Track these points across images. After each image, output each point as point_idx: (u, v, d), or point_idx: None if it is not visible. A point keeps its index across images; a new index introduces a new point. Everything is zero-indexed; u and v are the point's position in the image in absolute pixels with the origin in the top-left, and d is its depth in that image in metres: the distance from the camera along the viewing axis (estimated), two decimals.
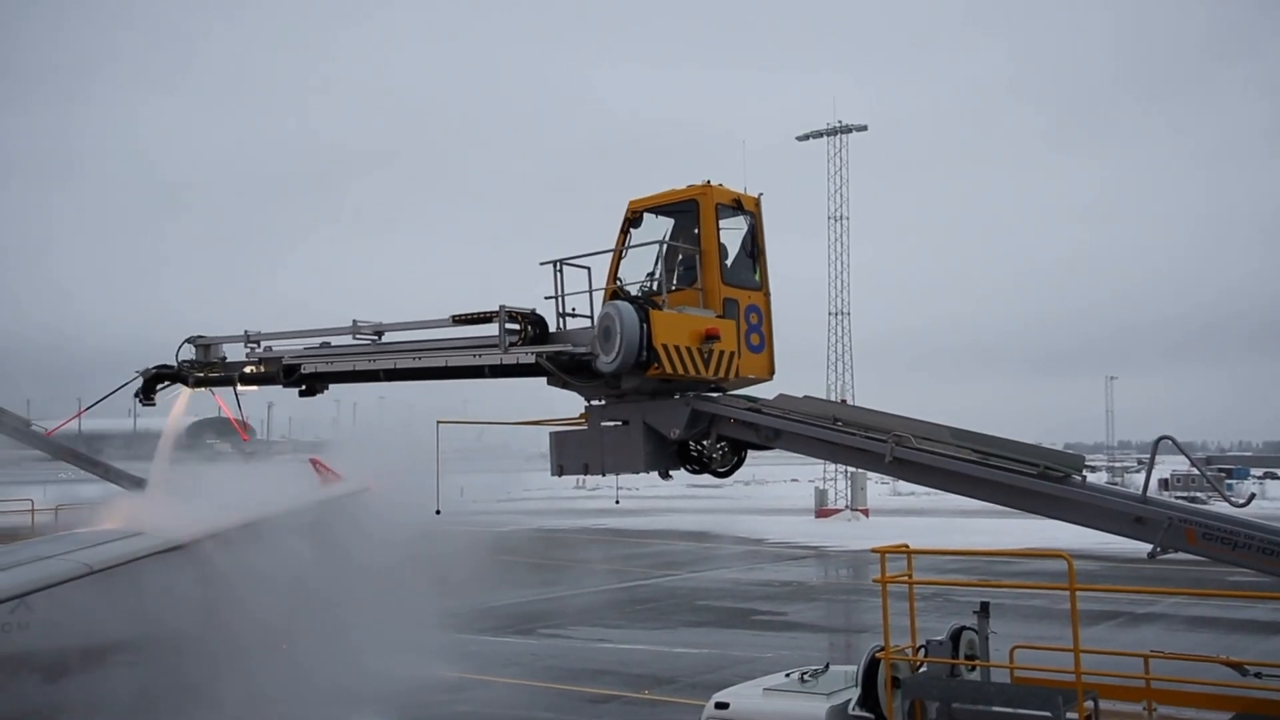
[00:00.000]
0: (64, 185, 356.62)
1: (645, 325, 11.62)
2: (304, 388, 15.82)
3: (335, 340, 15.33)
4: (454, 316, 13.36)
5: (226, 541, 17.24)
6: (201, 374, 17.31)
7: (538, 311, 12.88)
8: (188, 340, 17.28)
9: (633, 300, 12.08)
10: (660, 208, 13.07)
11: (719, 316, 12.52)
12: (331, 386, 16.13)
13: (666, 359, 11.72)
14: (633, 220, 13.04)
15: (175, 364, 17.45)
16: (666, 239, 12.92)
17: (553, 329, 12.93)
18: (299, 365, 15.54)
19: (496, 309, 12.74)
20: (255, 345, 16.45)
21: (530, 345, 12.61)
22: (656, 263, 12.90)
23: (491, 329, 12.95)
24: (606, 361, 11.78)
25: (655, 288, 12.64)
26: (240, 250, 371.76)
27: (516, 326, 12.67)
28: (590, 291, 12.78)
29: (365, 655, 19.05)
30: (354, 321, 14.75)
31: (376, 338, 14.73)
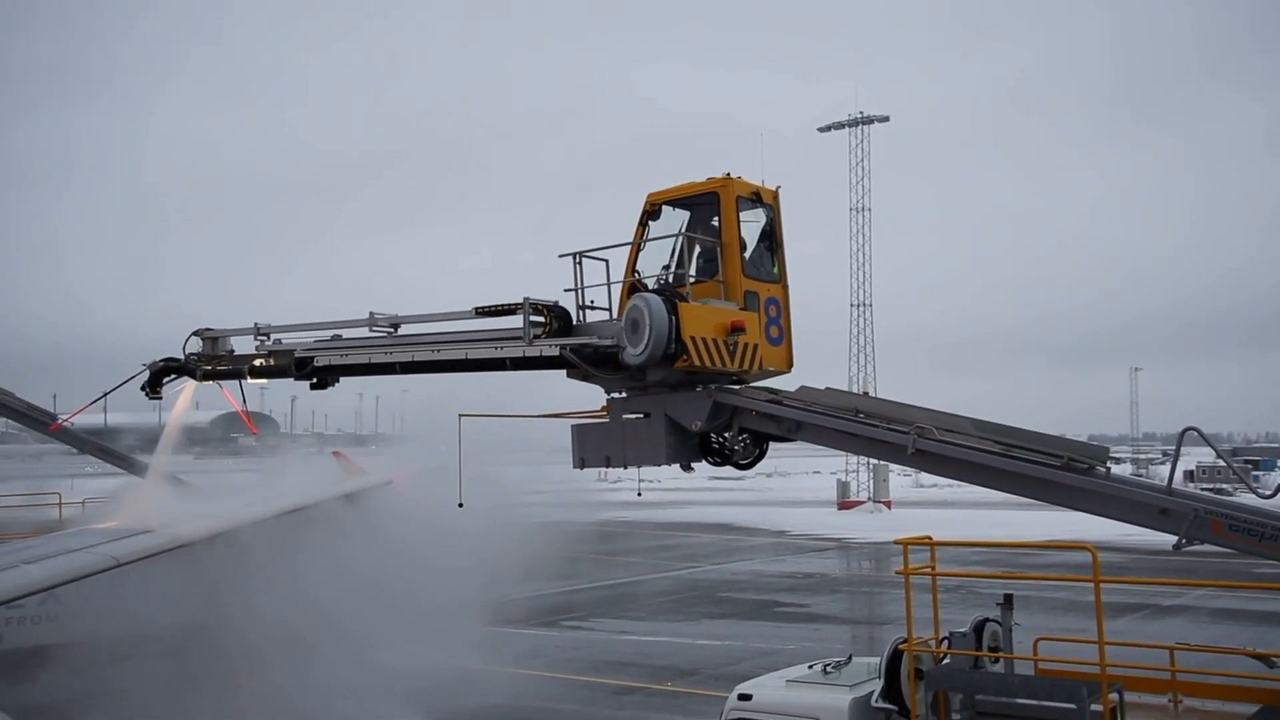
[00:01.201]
0: (68, 190, 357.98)
1: (674, 318, 11.60)
2: (315, 380, 15.76)
3: (349, 333, 15.26)
4: (477, 309, 13.32)
5: (251, 535, 17.34)
6: (209, 367, 17.00)
7: (560, 304, 12.89)
8: (194, 333, 17.06)
9: (659, 293, 12.06)
10: (680, 200, 13.04)
11: (741, 309, 12.51)
12: (356, 380, 16.11)
13: (695, 351, 11.68)
14: (651, 213, 13.00)
15: (182, 357, 17.21)
16: (683, 231, 12.88)
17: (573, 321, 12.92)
18: (311, 358, 15.43)
19: (520, 301, 12.72)
20: (264, 338, 16.31)
21: (554, 338, 12.62)
22: (674, 255, 12.85)
23: (509, 321, 12.94)
24: (634, 354, 11.75)
25: (672, 279, 12.61)
26: (259, 252, 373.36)
27: (541, 319, 12.66)
28: (609, 284, 12.77)
29: (391, 648, 19.13)
30: (370, 314, 14.74)
31: (392, 330, 14.72)
